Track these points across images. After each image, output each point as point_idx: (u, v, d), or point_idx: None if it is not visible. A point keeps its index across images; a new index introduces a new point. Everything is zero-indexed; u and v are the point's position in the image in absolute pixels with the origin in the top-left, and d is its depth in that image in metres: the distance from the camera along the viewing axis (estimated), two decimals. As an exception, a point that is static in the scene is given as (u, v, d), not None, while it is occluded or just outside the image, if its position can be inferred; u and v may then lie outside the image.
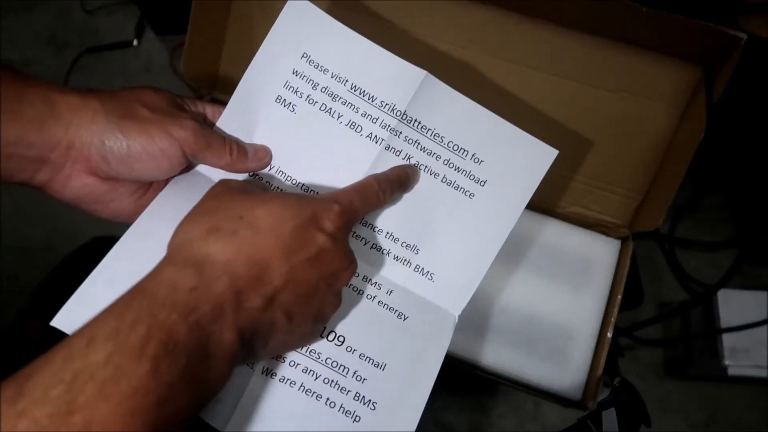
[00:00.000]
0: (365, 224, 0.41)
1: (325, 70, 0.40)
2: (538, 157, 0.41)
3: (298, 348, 0.37)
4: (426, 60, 0.54)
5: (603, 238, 0.56)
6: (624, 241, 0.55)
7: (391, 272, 0.41)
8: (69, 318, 0.35)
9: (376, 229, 0.41)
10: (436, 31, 0.54)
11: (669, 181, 0.50)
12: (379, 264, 0.41)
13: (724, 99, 0.46)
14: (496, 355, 0.53)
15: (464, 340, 0.53)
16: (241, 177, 0.41)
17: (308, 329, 0.34)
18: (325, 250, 0.33)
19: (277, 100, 0.40)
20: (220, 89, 0.58)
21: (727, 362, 0.83)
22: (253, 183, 0.40)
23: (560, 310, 0.54)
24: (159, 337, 0.25)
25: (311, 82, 0.40)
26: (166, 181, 0.39)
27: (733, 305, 0.84)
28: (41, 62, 1.10)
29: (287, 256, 0.31)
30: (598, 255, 0.55)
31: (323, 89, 0.40)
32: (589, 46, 0.51)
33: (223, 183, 0.36)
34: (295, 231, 0.32)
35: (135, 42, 1.10)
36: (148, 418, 0.23)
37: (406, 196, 0.41)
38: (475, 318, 0.53)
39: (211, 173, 0.41)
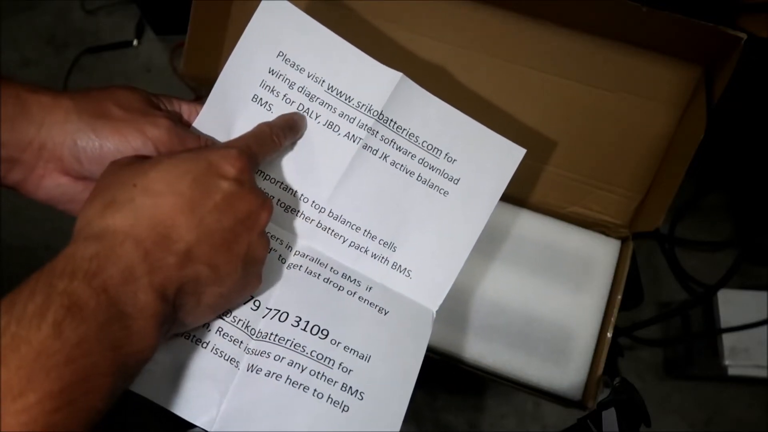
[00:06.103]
0: (344, 222, 0.41)
1: (302, 70, 0.40)
2: (507, 155, 0.42)
3: (241, 299, 0.37)
4: (422, 59, 0.54)
5: (603, 238, 0.56)
6: (624, 241, 0.55)
7: (369, 269, 0.42)
8: None
9: (354, 227, 0.42)
10: (435, 31, 0.54)
11: (669, 181, 0.50)
12: (357, 261, 0.42)
13: (724, 99, 0.46)
14: (496, 355, 0.53)
15: (464, 340, 0.53)
16: None
17: (239, 276, 0.34)
18: (232, 195, 0.33)
19: (254, 99, 0.40)
20: (220, 89, 0.58)
21: (727, 362, 0.83)
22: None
23: (560, 310, 0.54)
24: (60, 302, 0.26)
25: (288, 81, 0.40)
26: None
27: (733, 305, 0.84)
28: (41, 62, 1.10)
29: (192, 210, 0.31)
30: (598, 255, 0.55)
31: (300, 89, 0.41)
32: (589, 46, 0.51)
33: (112, 162, 0.35)
34: (194, 184, 0.32)
35: (135, 42, 1.10)
36: (58, 375, 0.24)
37: (384, 195, 0.42)
38: (475, 318, 0.53)
39: None
